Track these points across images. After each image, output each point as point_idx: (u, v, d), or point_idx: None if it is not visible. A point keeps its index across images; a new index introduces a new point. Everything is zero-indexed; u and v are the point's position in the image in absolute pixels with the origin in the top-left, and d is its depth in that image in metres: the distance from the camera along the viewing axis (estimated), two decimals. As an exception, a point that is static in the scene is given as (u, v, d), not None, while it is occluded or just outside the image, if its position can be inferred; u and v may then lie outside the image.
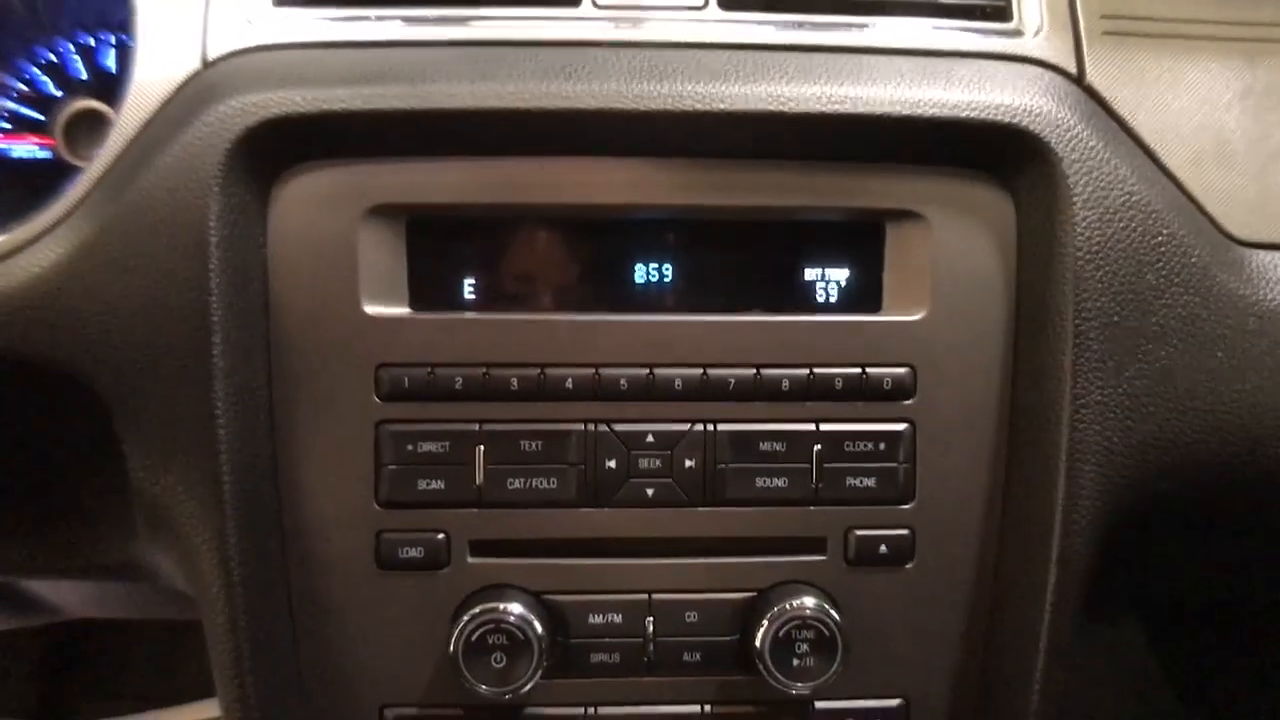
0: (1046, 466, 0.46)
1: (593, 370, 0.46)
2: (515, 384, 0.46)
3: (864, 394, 0.47)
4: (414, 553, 0.46)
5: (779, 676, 0.46)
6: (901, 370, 0.47)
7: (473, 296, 0.47)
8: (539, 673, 0.45)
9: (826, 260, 0.48)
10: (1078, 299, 0.44)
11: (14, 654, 1.00)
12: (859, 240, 0.48)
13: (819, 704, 0.49)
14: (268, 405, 0.45)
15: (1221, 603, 0.81)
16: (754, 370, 0.46)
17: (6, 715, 0.98)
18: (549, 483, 0.46)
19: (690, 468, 0.46)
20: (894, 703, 0.50)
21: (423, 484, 0.46)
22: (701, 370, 0.46)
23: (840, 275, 0.48)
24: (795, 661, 0.46)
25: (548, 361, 0.46)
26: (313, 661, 0.47)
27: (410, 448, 0.46)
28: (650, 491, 0.47)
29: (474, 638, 0.44)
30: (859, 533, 0.48)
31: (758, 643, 0.46)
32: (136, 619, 0.94)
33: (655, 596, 0.48)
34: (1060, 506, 0.45)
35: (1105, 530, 0.46)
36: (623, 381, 0.46)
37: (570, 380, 0.46)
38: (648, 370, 0.46)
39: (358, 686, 0.48)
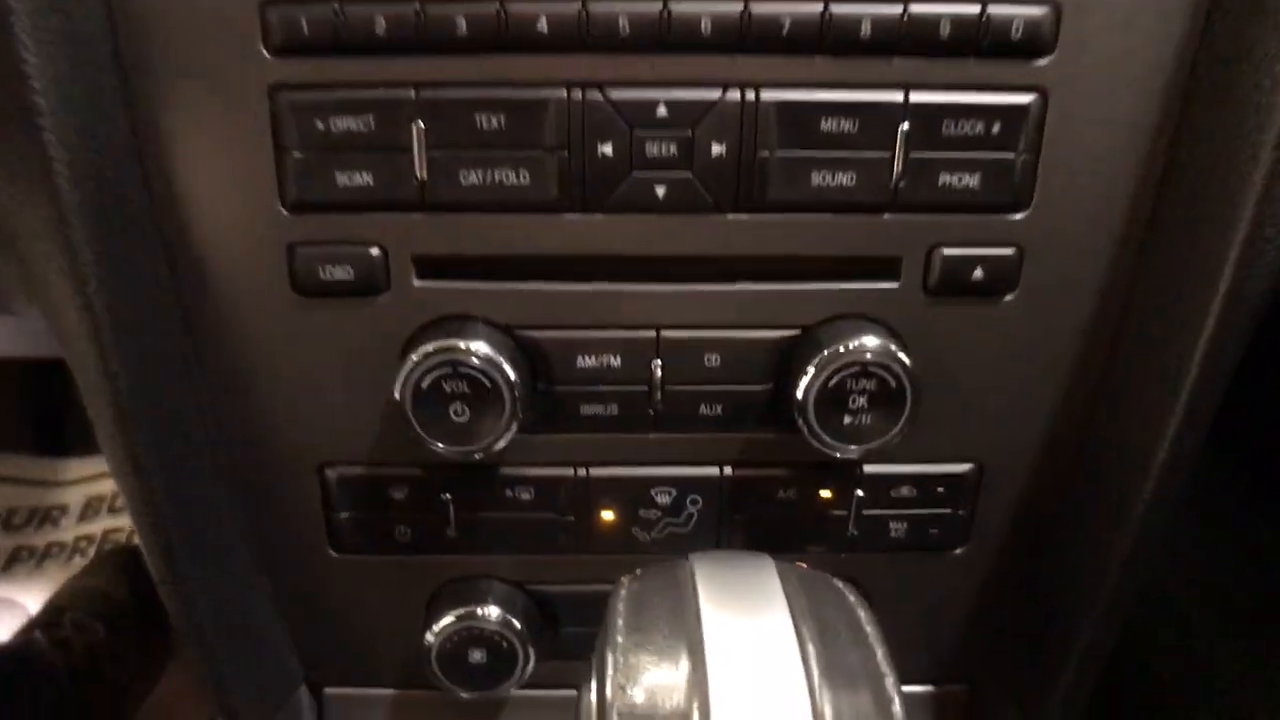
0: (1230, 177, 0.31)
1: (578, 6, 0.31)
2: (464, 26, 0.31)
3: (980, 47, 0.31)
4: (340, 273, 0.34)
5: (824, 437, 0.35)
6: (1039, 10, 0.31)
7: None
8: (514, 427, 0.34)
9: None
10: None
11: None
12: None
13: (869, 469, 0.39)
14: (114, 64, 0.31)
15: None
16: (820, 4, 0.31)
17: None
18: (518, 176, 0.33)
19: (719, 156, 0.33)
20: (965, 468, 0.40)
21: (343, 178, 0.33)
22: (742, 6, 0.31)
23: None
24: (848, 419, 0.35)
25: None
26: (231, 416, 0.37)
27: (320, 126, 0.32)
28: (661, 190, 0.33)
29: (425, 384, 0.34)
30: (947, 251, 0.35)
31: (800, 393, 0.35)
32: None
33: (665, 334, 0.36)
34: (1243, 231, 0.32)
35: None
36: (623, 22, 0.31)
37: (544, 20, 0.31)
38: (661, 5, 0.31)
39: (289, 444, 0.38)
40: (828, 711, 0.22)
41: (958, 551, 0.41)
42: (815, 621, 0.25)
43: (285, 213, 0.33)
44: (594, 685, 0.24)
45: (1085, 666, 0.41)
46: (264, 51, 0.31)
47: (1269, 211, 0.31)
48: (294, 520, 0.39)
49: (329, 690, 0.44)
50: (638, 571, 0.29)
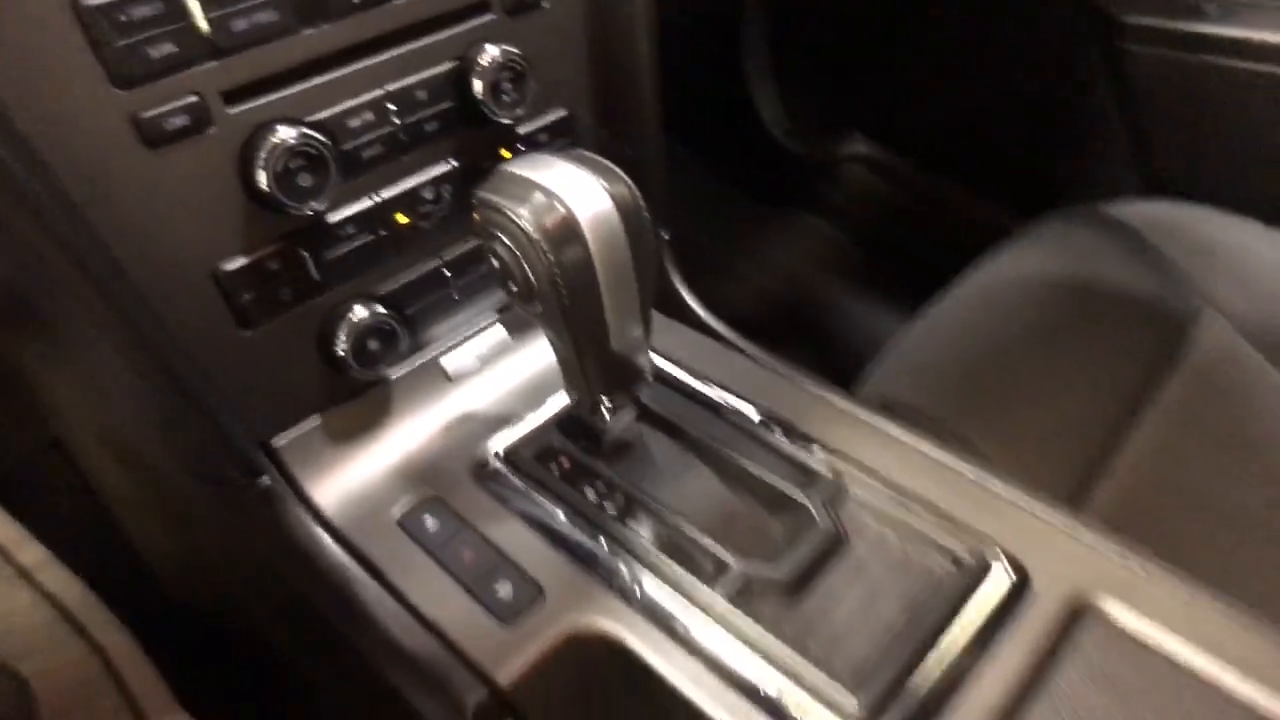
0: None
1: None
2: None
3: None
4: (178, 121, 0.49)
5: (498, 115, 0.60)
6: None
7: None
8: (337, 178, 0.53)
9: None
10: None
11: None
12: None
13: (520, 129, 0.65)
14: None
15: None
16: None
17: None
18: (271, 14, 0.50)
19: None
20: (563, 113, 0.68)
21: (152, 51, 0.47)
22: None
23: None
24: (506, 98, 0.60)
25: None
26: (135, 258, 0.50)
27: (123, 18, 0.45)
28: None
29: (279, 169, 0.51)
30: None
31: (479, 94, 0.59)
32: None
33: (389, 87, 0.57)
34: None
35: None
36: None
37: None
38: None
39: (184, 262, 0.52)
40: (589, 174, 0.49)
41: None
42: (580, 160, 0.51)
43: (119, 91, 0.47)
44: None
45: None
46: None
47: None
48: (205, 318, 0.54)
49: (275, 441, 0.61)
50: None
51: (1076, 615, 0.50)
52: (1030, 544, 0.54)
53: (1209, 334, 0.98)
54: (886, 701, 0.46)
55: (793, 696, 0.47)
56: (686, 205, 0.90)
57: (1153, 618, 0.49)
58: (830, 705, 0.46)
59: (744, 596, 0.51)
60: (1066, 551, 0.53)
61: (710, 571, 0.53)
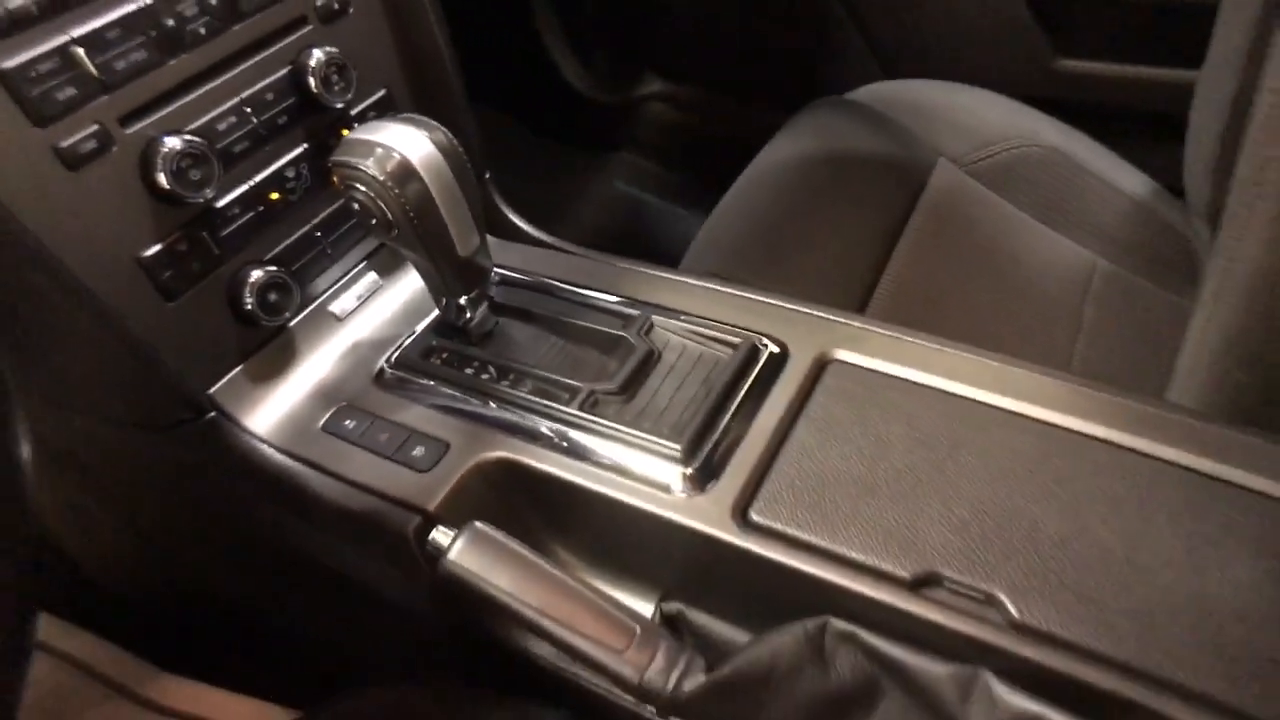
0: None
1: None
2: None
3: None
4: (89, 145, 0.63)
5: (332, 102, 0.77)
6: None
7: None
8: (219, 173, 0.69)
9: None
10: None
11: None
12: None
13: (351, 111, 0.82)
14: None
15: None
16: None
17: None
18: (141, 53, 0.65)
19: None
20: (383, 92, 0.85)
21: (60, 96, 0.62)
22: None
23: None
24: (335, 88, 0.77)
25: None
26: (76, 257, 0.64)
27: (33, 73, 0.60)
28: (202, 29, 0.68)
29: (174, 170, 0.66)
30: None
31: (313, 88, 0.75)
32: None
33: (243, 95, 0.72)
34: None
35: None
36: None
37: None
38: None
39: (109, 254, 0.66)
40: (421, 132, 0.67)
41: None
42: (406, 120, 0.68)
43: (39, 129, 0.61)
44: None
45: None
46: (-23, 53, 0.58)
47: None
48: (137, 296, 0.68)
49: (210, 390, 0.76)
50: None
51: (822, 364, 0.72)
52: (791, 330, 0.75)
53: (941, 176, 1.24)
54: (699, 441, 0.67)
55: (637, 456, 0.67)
56: (510, 163, 1.08)
57: (875, 355, 0.72)
58: (661, 454, 0.67)
59: (590, 404, 0.71)
60: (819, 331, 0.75)
61: (566, 397, 0.72)
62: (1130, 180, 1.22)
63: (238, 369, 0.77)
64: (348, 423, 0.75)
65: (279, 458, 0.73)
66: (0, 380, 0.81)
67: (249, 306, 0.74)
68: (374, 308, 0.85)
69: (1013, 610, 0.53)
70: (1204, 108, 0.92)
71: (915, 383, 0.69)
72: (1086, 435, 0.62)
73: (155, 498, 0.91)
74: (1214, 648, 0.49)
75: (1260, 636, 0.49)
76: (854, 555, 0.57)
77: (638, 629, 0.58)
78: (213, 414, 0.74)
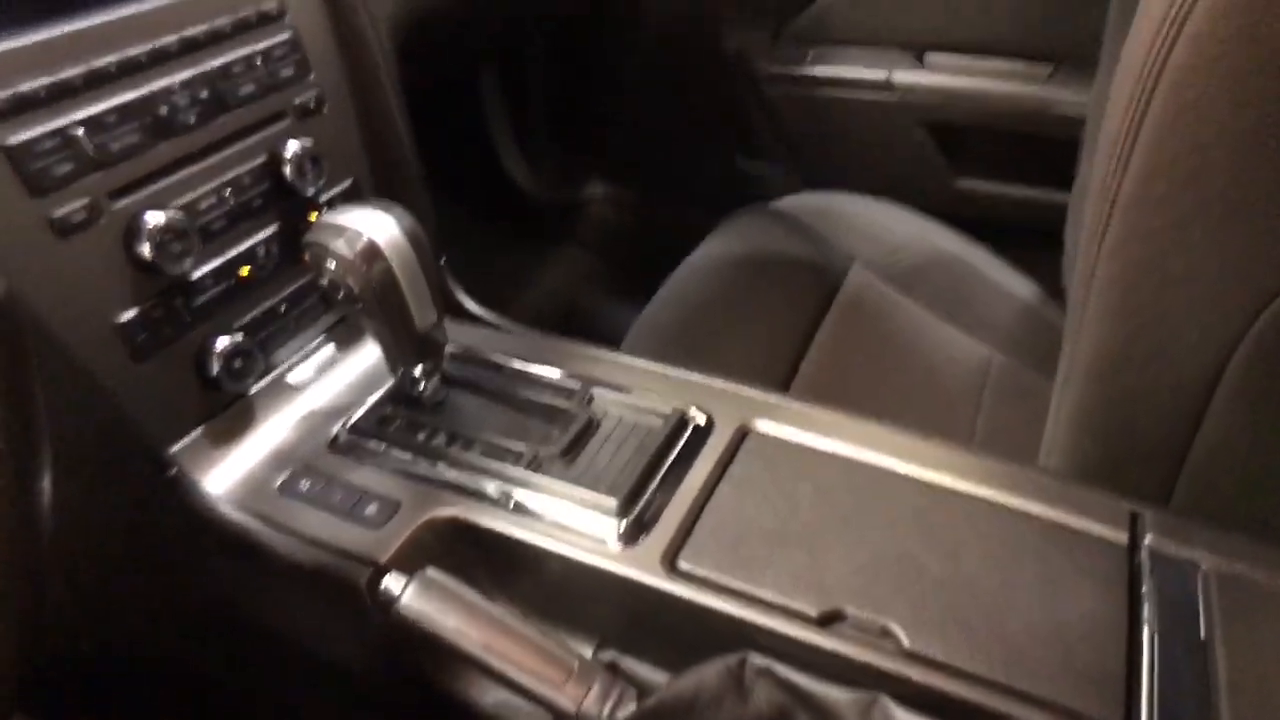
0: None
1: None
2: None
3: None
4: (80, 216, 0.69)
5: (304, 189, 0.85)
6: None
7: None
8: (198, 247, 0.76)
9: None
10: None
11: None
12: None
13: (321, 198, 0.89)
14: None
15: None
16: None
17: None
18: (134, 136, 0.72)
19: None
20: (350, 181, 0.93)
21: (57, 171, 0.68)
22: None
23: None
24: (308, 177, 0.85)
25: None
26: (61, 311, 0.69)
27: (35, 149, 0.66)
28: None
29: (157, 242, 0.72)
30: None
31: (288, 176, 0.83)
32: None
33: (224, 178, 0.79)
34: None
35: None
36: None
37: None
38: None
39: (91, 315, 0.71)
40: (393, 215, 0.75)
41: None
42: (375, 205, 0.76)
43: (35, 200, 0.67)
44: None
45: None
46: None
47: None
48: (109, 357, 0.73)
49: (171, 449, 0.80)
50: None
51: (743, 434, 0.80)
52: (716, 404, 0.83)
53: (855, 278, 1.37)
54: (633, 499, 0.74)
55: (576, 512, 0.73)
56: (464, 250, 1.17)
57: (790, 425, 0.80)
58: (598, 510, 0.73)
59: (534, 465, 0.77)
60: (741, 405, 0.83)
61: (512, 459, 0.78)
62: (1018, 285, 1.36)
63: (199, 430, 0.81)
64: (303, 483, 0.79)
65: (235, 514, 0.77)
66: None
67: (215, 372, 0.79)
68: (331, 378, 0.91)
69: (905, 640, 0.60)
70: (1074, 222, 1.06)
71: (822, 450, 0.77)
72: (964, 493, 0.71)
73: (96, 552, 0.93)
74: (1065, 665, 0.57)
75: (1101, 655, 0.58)
76: (768, 596, 0.64)
77: (576, 664, 0.63)
78: (174, 470, 0.78)
